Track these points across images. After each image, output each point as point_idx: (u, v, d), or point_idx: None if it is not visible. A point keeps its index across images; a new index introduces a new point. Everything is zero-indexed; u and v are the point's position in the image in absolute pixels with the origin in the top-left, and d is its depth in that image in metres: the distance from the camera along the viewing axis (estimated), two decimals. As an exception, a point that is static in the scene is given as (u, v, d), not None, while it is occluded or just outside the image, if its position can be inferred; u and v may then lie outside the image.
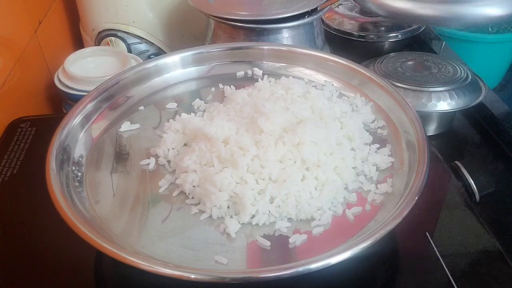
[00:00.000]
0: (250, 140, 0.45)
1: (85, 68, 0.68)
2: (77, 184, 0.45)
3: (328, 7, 0.67)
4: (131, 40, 0.77)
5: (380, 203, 0.43)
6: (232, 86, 0.57)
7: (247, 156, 0.44)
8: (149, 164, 0.48)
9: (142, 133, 0.52)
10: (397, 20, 0.60)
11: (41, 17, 0.76)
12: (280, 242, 0.40)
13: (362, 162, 0.47)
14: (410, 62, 0.71)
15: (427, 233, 0.47)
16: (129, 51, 0.77)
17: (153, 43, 0.78)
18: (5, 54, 0.65)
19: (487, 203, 0.53)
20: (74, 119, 0.49)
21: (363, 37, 0.81)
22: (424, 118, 0.59)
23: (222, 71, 0.60)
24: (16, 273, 0.45)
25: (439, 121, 0.68)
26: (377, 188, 0.44)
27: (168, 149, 0.49)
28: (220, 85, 0.58)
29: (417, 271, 0.45)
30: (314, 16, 0.66)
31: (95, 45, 0.79)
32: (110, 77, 0.55)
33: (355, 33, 0.81)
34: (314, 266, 0.35)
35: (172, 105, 0.55)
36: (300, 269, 0.35)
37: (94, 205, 0.43)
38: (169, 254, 0.39)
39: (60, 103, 0.72)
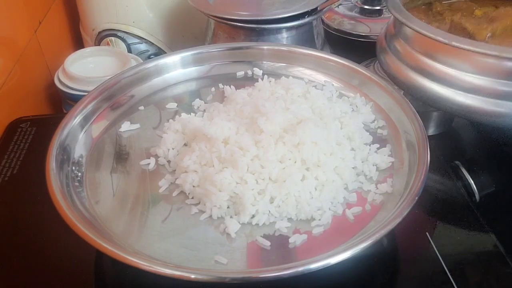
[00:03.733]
0: (250, 140, 0.45)
1: (85, 68, 0.68)
2: (77, 184, 0.45)
3: (328, 7, 0.67)
4: (131, 40, 0.77)
5: (380, 203, 0.43)
6: (232, 86, 0.57)
7: (247, 156, 0.44)
8: (149, 164, 0.48)
9: (142, 133, 0.52)
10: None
11: (41, 17, 0.76)
12: (280, 242, 0.40)
13: (362, 162, 0.47)
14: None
15: (427, 233, 0.47)
16: (129, 51, 0.77)
17: (153, 43, 0.78)
18: (5, 54, 0.65)
19: (487, 203, 0.53)
20: (74, 119, 0.49)
21: (363, 37, 0.81)
22: (424, 118, 0.59)
23: (222, 71, 0.60)
24: (16, 273, 0.44)
25: (439, 121, 0.67)
26: (377, 188, 0.44)
27: (168, 149, 0.48)
28: (220, 85, 0.58)
29: (417, 271, 0.45)
30: (314, 16, 0.66)
31: (95, 45, 0.79)
32: (110, 77, 0.55)
33: (355, 33, 0.81)
34: (314, 266, 0.35)
35: (172, 105, 0.55)
36: (300, 269, 0.35)
37: (94, 205, 0.43)
38: (169, 254, 0.39)
39: (60, 103, 0.72)
